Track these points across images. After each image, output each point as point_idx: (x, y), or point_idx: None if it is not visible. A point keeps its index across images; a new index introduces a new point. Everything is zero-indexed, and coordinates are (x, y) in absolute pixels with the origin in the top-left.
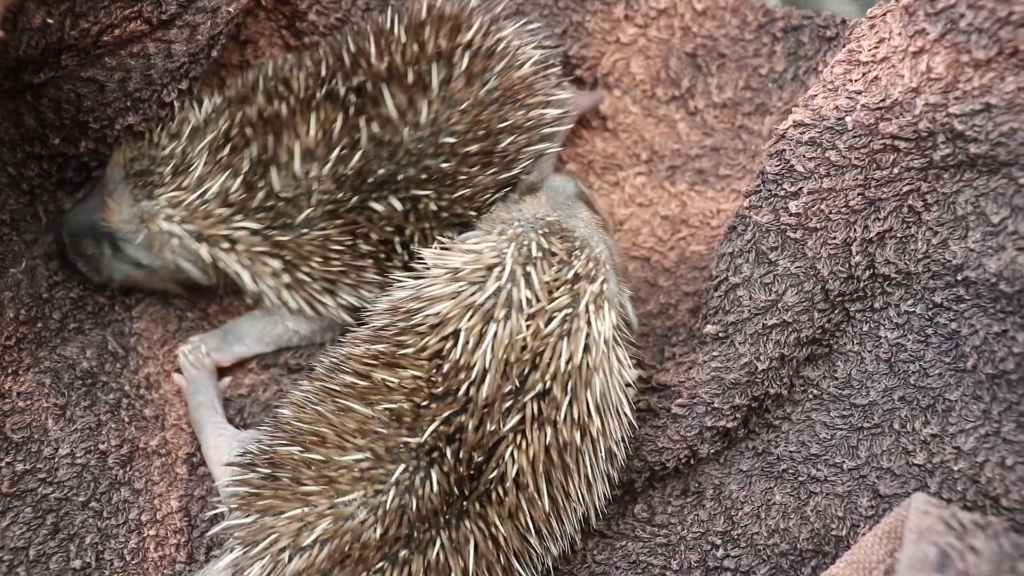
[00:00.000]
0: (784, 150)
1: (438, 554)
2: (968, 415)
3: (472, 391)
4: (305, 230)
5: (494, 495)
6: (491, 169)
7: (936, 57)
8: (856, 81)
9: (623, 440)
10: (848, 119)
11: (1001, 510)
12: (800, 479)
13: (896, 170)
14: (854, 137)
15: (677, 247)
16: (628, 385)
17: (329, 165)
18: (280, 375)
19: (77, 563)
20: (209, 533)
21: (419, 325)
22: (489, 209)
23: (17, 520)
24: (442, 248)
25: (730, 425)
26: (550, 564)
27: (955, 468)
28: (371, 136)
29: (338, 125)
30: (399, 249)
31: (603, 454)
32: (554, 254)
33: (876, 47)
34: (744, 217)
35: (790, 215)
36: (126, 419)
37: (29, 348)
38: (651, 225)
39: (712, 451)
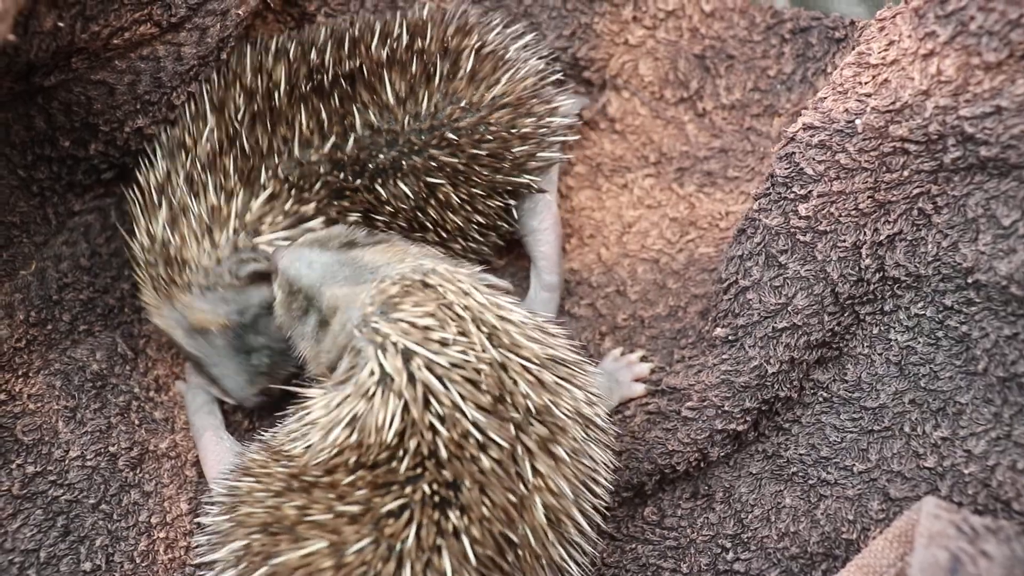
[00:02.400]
0: (794, 153)
1: None
2: (979, 418)
3: (485, 460)
4: (314, 203)
5: (530, 558)
6: (501, 172)
7: (946, 60)
8: (866, 84)
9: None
10: (858, 122)
11: (1013, 514)
12: (810, 482)
13: (906, 173)
14: (864, 140)
15: (686, 249)
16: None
17: (325, 150)
18: None
19: (87, 565)
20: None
21: (385, 445)
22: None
23: (28, 522)
24: (330, 388)
25: (740, 428)
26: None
27: (966, 472)
28: (366, 123)
29: (326, 113)
30: (429, 226)
31: (601, 427)
32: (431, 311)
33: (886, 50)
34: (754, 220)
35: (800, 218)
36: (136, 421)
37: (39, 350)
38: (660, 227)
39: (722, 454)
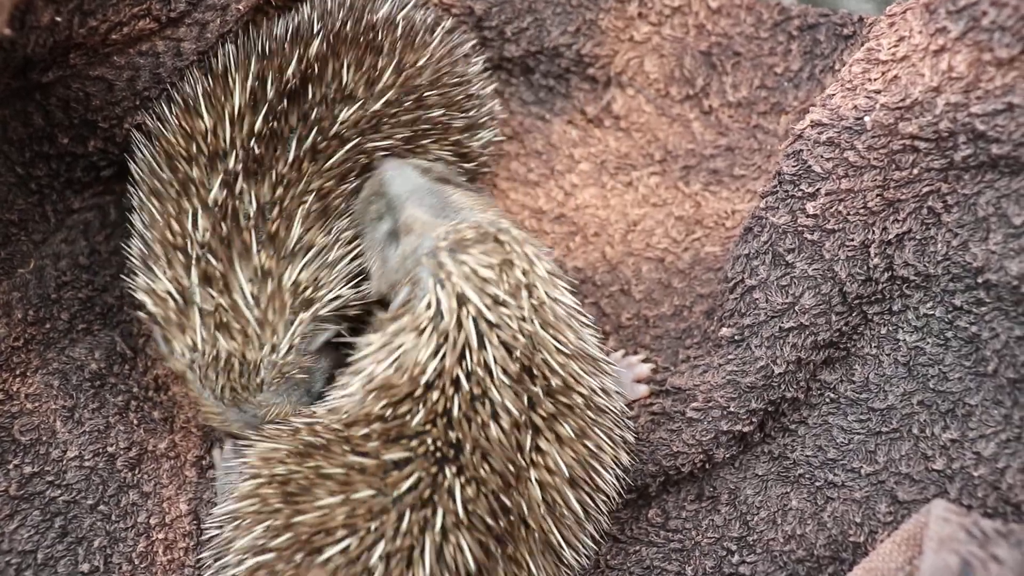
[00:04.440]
0: (802, 150)
1: None
2: (988, 420)
3: (493, 427)
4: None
5: (523, 529)
6: (471, 113)
7: (957, 56)
8: (875, 80)
9: (619, 399)
10: (867, 119)
11: (1023, 517)
12: (817, 484)
13: (916, 171)
14: (873, 137)
15: (691, 248)
16: (592, 331)
17: (327, 167)
18: None
19: (85, 567)
20: None
21: (414, 391)
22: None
23: (25, 523)
24: (385, 322)
25: (746, 429)
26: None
27: (975, 474)
28: (343, 122)
29: (309, 134)
30: None
31: (609, 426)
32: (494, 264)
33: (896, 45)
34: (760, 218)
35: (807, 216)
36: (135, 421)
37: (37, 349)
38: (665, 226)
39: (727, 455)
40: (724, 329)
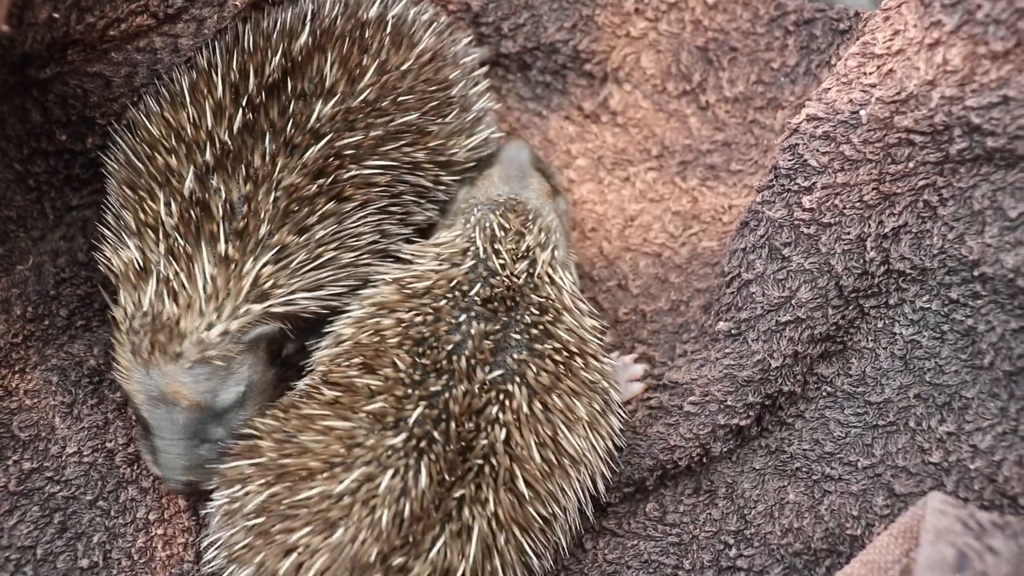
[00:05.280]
0: (797, 144)
1: (441, 551)
2: (985, 413)
3: (456, 358)
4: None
5: (487, 469)
6: (452, 119)
7: (952, 49)
8: (870, 74)
9: (606, 382)
10: (862, 113)
11: (1019, 509)
12: (814, 477)
13: (911, 164)
14: (868, 131)
15: (688, 243)
16: (594, 328)
17: (297, 162)
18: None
19: (84, 562)
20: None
21: (401, 319)
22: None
23: (24, 519)
24: (418, 247)
25: (743, 423)
26: (561, 539)
27: (972, 467)
28: (319, 116)
29: (280, 125)
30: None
31: (591, 397)
32: (510, 229)
33: (891, 39)
34: (757, 213)
35: (804, 210)
36: (134, 417)
37: (36, 346)
38: (662, 221)
39: (725, 449)
40: (721, 323)
